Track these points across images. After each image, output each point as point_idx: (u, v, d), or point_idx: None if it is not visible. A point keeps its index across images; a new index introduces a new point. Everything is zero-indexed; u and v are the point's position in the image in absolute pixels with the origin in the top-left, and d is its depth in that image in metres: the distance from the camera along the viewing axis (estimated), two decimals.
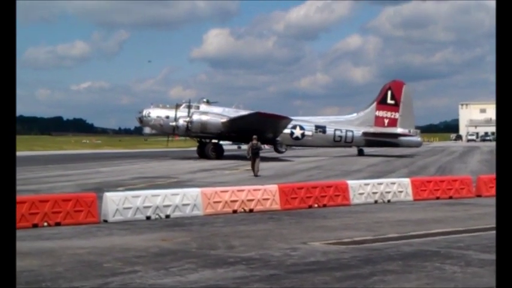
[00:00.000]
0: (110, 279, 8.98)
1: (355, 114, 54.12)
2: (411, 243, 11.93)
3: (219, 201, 16.73)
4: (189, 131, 46.59)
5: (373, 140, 52.25)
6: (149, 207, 15.77)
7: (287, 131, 48.44)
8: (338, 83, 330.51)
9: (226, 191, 17.13)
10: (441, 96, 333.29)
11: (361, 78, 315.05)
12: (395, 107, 52.81)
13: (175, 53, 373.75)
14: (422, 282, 8.65)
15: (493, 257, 9.30)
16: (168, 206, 16.03)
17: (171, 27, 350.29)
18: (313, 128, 50.56)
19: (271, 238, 12.68)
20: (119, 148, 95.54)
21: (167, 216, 15.89)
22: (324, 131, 50.68)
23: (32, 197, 15.78)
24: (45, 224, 14.53)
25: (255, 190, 17.57)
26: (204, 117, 46.25)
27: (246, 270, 9.55)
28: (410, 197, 19.94)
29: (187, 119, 46.02)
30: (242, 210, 16.99)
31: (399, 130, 52.39)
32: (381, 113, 52.84)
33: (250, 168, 30.98)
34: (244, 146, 44.71)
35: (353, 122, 52.59)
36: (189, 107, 47.04)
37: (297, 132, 49.78)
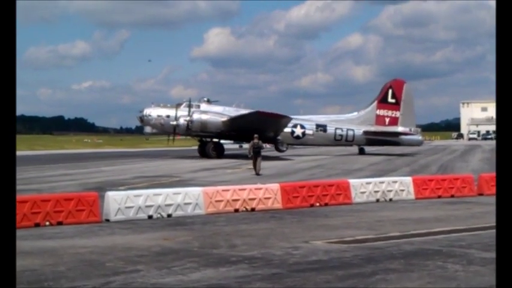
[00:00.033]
0: (112, 279, 8.99)
1: (356, 113, 54.11)
2: (413, 241, 11.94)
3: (221, 200, 16.74)
4: (190, 130, 46.63)
5: (374, 139, 52.24)
6: (151, 206, 15.78)
7: (288, 129, 48.45)
8: (339, 82, 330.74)
9: (228, 190, 17.13)
10: (442, 95, 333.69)
11: (362, 77, 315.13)
12: (396, 105, 52.77)
13: (176, 52, 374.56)
14: (424, 281, 8.66)
15: (495, 255, 9.31)
16: (170, 205, 16.04)
17: (172, 26, 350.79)
18: (314, 126, 50.56)
19: (273, 237, 12.69)
20: (120, 147, 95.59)
21: (169, 216, 15.90)
22: (325, 130, 50.67)
23: (33, 196, 15.79)
24: (47, 223, 14.54)
25: (256, 189, 17.57)
26: (204, 116, 46.27)
27: (248, 269, 9.56)
28: (412, 196, 19.93)
29: (188, 118, 46.06)
30: (244, 209, 17.00)
31: (400, 129, 52.36)
32: (381, 112, 52.81)
33: (252, 167, 31.00)
34: (246, 145, 44.72)
35: (354, 121, 52.55)
36: (189, 106, 47.08)
37: (298, 131, 49.80)
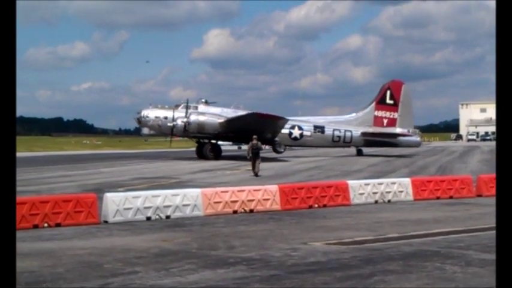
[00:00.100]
0: (110, 280, 8.98)
1: (354, 114, 54.11)
2: (411, 243, 11.93)
3: (220, 202, 16.73)
4: (187, 131, 46.67)
5: (372, 140, 52.22)
6: (149, 207, 15.77)
7: (285, 131, 48.49)
8: (338, 83, 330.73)
9: (227, 192, 17.13)
10: (441, 96, 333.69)
11: (362, 78, 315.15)
12: (394, 106, 52.77)
13: (175, 53, 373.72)
14: (423, 282, 8.65)
15: (494, 256, 9.30)
16: (169, 206, 16.03)
17: (172, 27, 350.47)
18: (312, 128, 50.58)
19: (271, 238, 12.68)
20: (119, 149, 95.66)
21: (167, 217, 15.89)
22: (323, 131, 50.69)
23: (32, 197, 15.77)
24: (46, 224, 14.52)
25: (255, 190, 17.57)
26: (202, 118, 46.29)
27: (246, 270, 9.55)
28: (410, 197, 19.93)
29: (185, 119, 46.08)
30: (242, 210, 16.99)
31: (398, 130, 52.36)
32: (380, 113, 52.81)
33: (250, 168, 31.00)
34: (245, 147, 44.73)
35: (352, 122, 52.56)
36: (187, 107, 47.10)
37: (296, 132, 49.81)
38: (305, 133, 50.12)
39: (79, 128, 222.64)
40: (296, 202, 17.88)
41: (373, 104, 53.15)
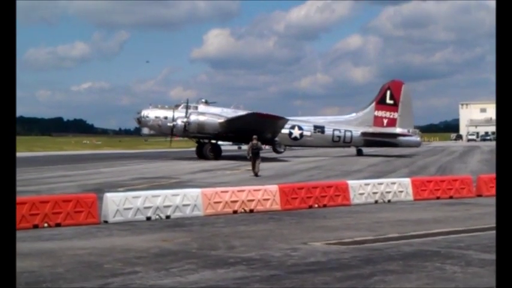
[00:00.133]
0: (110, 280, 8.98)
1: (354, 114, 54.10)
2: (411, 243, 11.93)
3: (220, 202, 16.73)
4: (187, 131, 46.67)
5: (372, 140, 52.21)
6: (149, 207, 15.77)
7: (285, 131, 48.51)
8: (338, 83, 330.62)
9: (227, 192, 17.13)
10: (441, 96, 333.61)
11: (362, 78, 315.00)
12: (394, 106, 52.77)
13: (175, 53, 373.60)
14: (423, 282, 8.65)
15: (494, 256, 9.30)
16: (169, 206, 16.03)
17: (172, 27, 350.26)
18: (312, 128, 50.58)
19: (271, 238, 12.68)
20: (119, 149, 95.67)
21: (167, 217, 15.89)
22: (323, 131, 50.68)
23: (32, 197, 15.77)
24: (46, 224, 14.52)
25: (255, 190, 17.57)
26: (202, 118, 46.30)
27: (246, 270, 9.55)
28: (410, 197, 19.93)
29: (185, 119, 46.08)
30: (242, 210, 16.99)
31: (398, 130, 52.34)
32: (379, 113, 52.80)
33: (250, 168, 31.00)
34: (245, 147, 44.74)
35: (352, 122, 52.55)
36: (187, 107, 47.11)
37: (296, 132, 49.82)
38: (305, 133, 50.11)
39: (79, 128, 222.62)
40: (296, 202, 17.88)
41: (373, 104, 53.14)
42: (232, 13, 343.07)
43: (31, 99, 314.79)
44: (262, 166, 31.95)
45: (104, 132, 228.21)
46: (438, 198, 20.20)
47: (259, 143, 31.50)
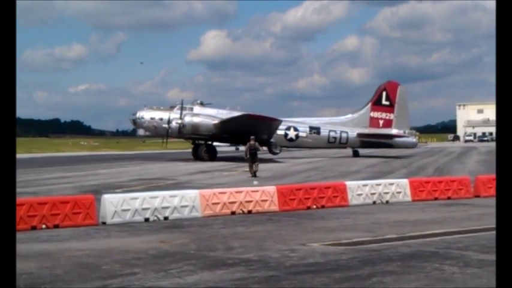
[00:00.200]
0: (108, 282, 8.96)
1: (350, 115, 54.10)
2: (410, 244, 11.93)
3: (218, 203, 16.72)
4: (182, 132, 46.72)
5: (368, 141, 52.21)
6: (147, 209, 15.75)
7: (281, 132, 48.56)
8: (335, 84, 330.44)
9: (225, 193, 17.12)
10: (438, 97, 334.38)
11: (359, 79, 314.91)
12: (390, 108, 52.78)
13: (172, 55, 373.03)
14: (422, 283, 8.65)
15: (492, 257, 9.32)
16: (167, 207, 16.01)
17: (169, 29, 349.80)
18: (307, 129, 50.59)
19: (270, 239, 12.67)
20: (117, 150, 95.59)
21: (166, 218, 15.87)
22: (318, 132, 50.69)
23: (30, 199, 15.73)
24: (44, 226, 14.50)
25: (253, 191, 17.57)
26: (196, 119, 46.33)
27: (245, 271, 9.54)
28: (408, 198, 19.95)
29: (179, 120, 46.09)
30: (240, 211, 16.98)
31: (394, 131, 52.32)
32: (375, 114, 52.81)
33: (247, 169, 31.00)
34: (242, 148, 44.75)
35: (348, 123, 52.53)
36: (181, 108, 47.10)
37: (291, 133, 49.82)
38: (301, 134, 50.11)
39: (76, 129, 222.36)
40: (294, 203, 17.87)
41: (369, 105, 53.14)
42: (229, 14, 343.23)
43: (28, 101, 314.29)
44: (260, 167, 31.92)
45: (101, 133, 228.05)
46: (436, 199, 20.21)
47: (256, 144, 31.52)
